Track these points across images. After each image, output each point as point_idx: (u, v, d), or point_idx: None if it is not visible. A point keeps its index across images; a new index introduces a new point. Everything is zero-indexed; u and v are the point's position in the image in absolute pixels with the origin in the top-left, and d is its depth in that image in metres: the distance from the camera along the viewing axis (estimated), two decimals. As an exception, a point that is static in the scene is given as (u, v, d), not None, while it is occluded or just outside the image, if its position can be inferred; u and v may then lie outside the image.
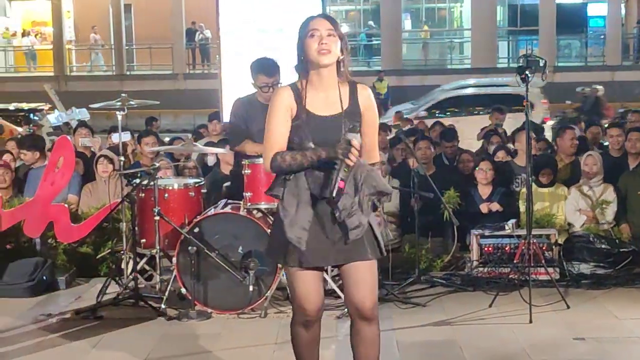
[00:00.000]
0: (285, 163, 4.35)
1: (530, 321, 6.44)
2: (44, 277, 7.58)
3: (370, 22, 34.46)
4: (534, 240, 7.07)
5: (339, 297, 6.95)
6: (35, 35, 35.07)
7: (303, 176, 4.39)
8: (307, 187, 4.38)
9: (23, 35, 35.29)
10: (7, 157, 9.51)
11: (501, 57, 32.30)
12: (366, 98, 4.50)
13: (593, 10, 34.75)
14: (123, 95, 7.60)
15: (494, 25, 31.17)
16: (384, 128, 11.43)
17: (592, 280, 7.50)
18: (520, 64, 6.79)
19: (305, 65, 4.43)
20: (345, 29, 36.16)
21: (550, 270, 7.31)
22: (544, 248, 7.52)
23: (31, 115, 19.10)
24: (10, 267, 7.60)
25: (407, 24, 35.30)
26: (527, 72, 6.70)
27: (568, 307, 6.78)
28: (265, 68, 7.05)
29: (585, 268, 7.69)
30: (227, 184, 8.21)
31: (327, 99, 4.44)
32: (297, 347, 4.65)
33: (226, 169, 8.69)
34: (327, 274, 7.16)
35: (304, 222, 4.37)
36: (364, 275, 4.45)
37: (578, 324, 6.47)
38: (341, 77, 4.46)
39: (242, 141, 7.10)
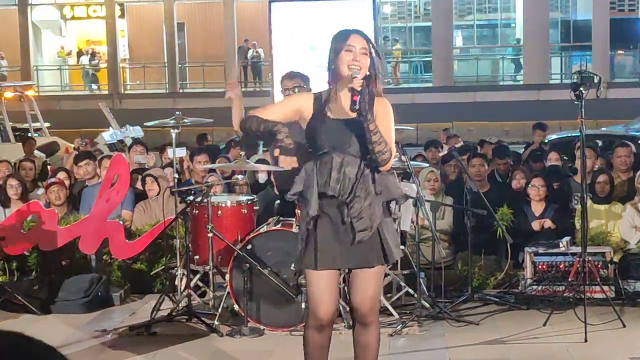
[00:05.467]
0: (254, 125, 4.57)
1: (586, 340, 6.37)
2: (99, 293, 7.67)
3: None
4: (589, 258, 7.00)
5: (391, 314, 6.94)
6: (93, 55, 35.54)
7: (315, 175, 4.52)
8: (317, 183, 4.51)
9: (79, 54, 35.74)
10: (61, 174, 9.63)
11: (554, 73, 32.05)
12: (378, 104, 4.59)
13: (647, 25, 34.37)
14: (177, 113, 7.67)
15: (547, 41, 30.93)
16: (435, 145, 11.41)
17: (648, 299, 7.40)
18: (575, 80, 6.72)
19: (333, 75, 4.63)
20: (396, 45, 36.34)
21: (606, 288, 7.20)
22: (599, 266, 7.43)
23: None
24: (66, 283, 7.71)
25: (459, 40, 35.21)
26: (581, 89, 6.64)
27: (624, 325, 6.70)
28: (288, 73, 7.23)
29: (641, 286, 7.59)
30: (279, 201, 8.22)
31: (346, 107, 4.57)
32: (307, 349, 4.69)
33: (279, 187, 8.71)
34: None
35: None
36: (365, 281, 4.58)
37: (634, 343, 6.38)
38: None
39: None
